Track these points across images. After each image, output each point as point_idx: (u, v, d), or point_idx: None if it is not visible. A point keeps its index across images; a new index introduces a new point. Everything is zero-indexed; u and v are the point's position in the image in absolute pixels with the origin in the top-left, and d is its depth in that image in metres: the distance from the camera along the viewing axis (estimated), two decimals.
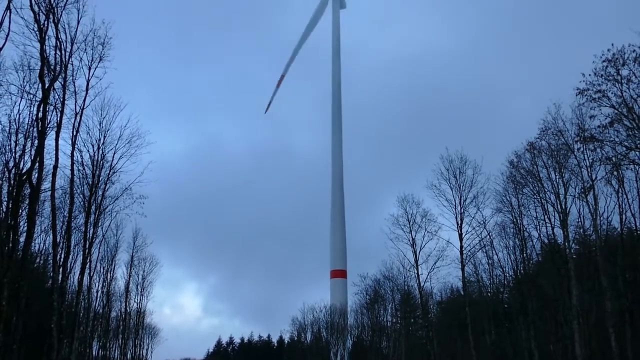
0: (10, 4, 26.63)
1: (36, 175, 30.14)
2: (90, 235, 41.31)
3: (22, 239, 34.66)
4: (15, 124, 35.12)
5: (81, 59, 35.12)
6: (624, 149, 38.27)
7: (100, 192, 41.44)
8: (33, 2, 27.60)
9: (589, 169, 42.48)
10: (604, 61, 38.18)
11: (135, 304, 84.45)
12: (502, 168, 51.64)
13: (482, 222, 53.03)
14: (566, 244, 45.36)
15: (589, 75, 38.70)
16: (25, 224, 32.77)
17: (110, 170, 41.32)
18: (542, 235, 50.71)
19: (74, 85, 35.03)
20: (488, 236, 54.18)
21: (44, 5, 28.62)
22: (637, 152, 37.59)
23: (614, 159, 38.90)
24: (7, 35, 26.48)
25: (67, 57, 31.86)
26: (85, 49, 34.96)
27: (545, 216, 47.74)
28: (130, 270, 79.96)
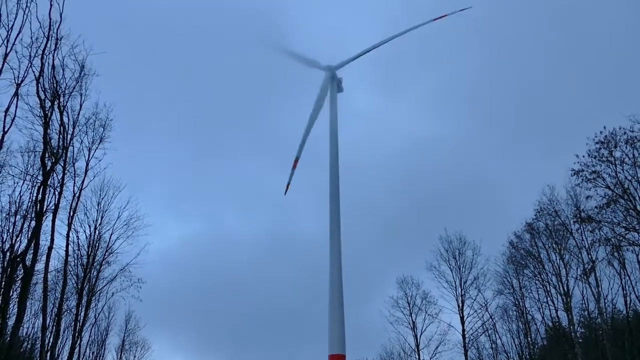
0: (18, 90, 27.52)
1: (30, 257, 29.83)
2: (82, 319, 40.25)
3: (10, 322, 33.75)
4: (15, 205, 35.29)
5: (82, 141, 35.83)
6: (623, 229, 38.23)
7: (95, 273, 40.89)
8: (40, 88, 28.52)
9: (588, 250, 42.18)
10: (597, 143, 39.01)
11: None
12: (501, 249, 51.44)
13: (483, 305, 52.04)
14: (571, 327, 44.17)
15: (583, 156, 39.49)
16: (16, 307, 32.04)
17: (106, 251, 41.05)
18: (545, 318, 49.56)
19: (74, 167, 35.47)
20: (490, 319, 52.97)
21: (49, 92, 29.57)
22: (636, 234, 37.50)
23: (613, 240, 38.70)
24: (13, 120, 27.13)
25: (68, 140, 32.50)
26: (87, 131, 35.78)
27: (548, 298, 46.91)
28: (121, 355, 77.06)
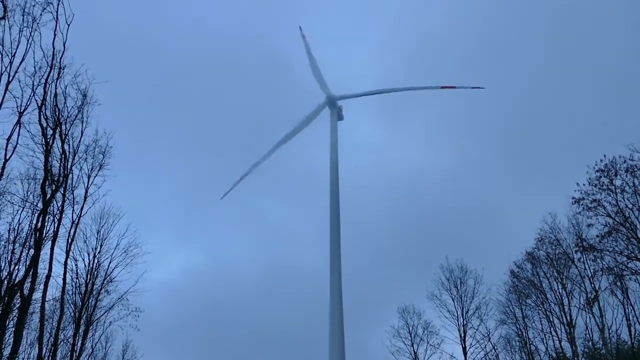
0: (21, 119, 27.67)
1: (28, 285, 29.56)
2: (78, 349, 39.60)
3: (6, 352, 33.22)
4: (14, 232, 35.11)
5: (81, 168, 35.67)
6: (625, 258, 38.01)
7: (93, 302, 40.43)
8: (42, 117, 28.67)
9: (591, 279, 41.85)
10: (597, 171, 39.11)
11: None
12: (503, 278, 50.95)
13: (486, 335, 51.31)
14: (575, 359, 43.51)
15: (583, 184, 39.54)
16: (12, 336, 31.60)
17: (105, 279, 40.66)
18: (549, 349, 48.81)
19: (73, 195, 35.33)
20: (493, 350, 52.16)
21: (51, 120, 29.72)
22: (639, 262, 37.27)
23: (615, 269, 38.42)
24: (15, 148, 27.20)
25: (69, 167, 32.52)
26: (86, 158, 35.72)
27: (551, 328, 46.29)
28: None
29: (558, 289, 44.69)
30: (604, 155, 38.73)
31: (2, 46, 25.79)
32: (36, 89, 28.38)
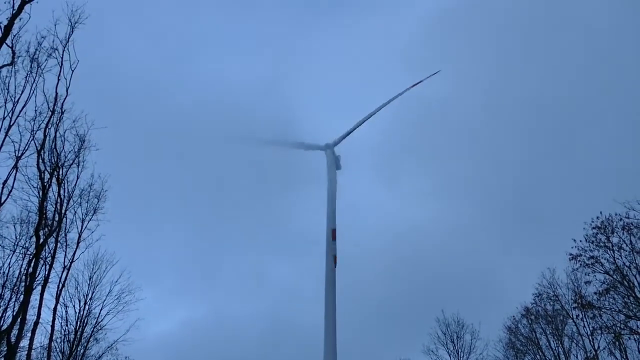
0: (18, 163, 27.58)
1: (16, 332, 28.78)
2: None
3: None
4: (4, 277, 34.48)
5: (75, 212, 35.19)
6: (623, 317, 37.53)
7: (82, 351, 39.27)
8: (40, 161, 28.62)
9: (590, 338, 41.18)
10: (593, 228, 39.08)
11: None
12: (500, 334, 50.13)
13: None
14: None
15: (580, 241, 39.44)
16: None
17: (95, 327, 39.62)
18: None
19: (66, 239, 34.76)
20: None
21: (49, 164, 29.67)
22: (637, 321, 36.78)
23: (614, 328, 37.87)
24: (10, 192, 27.01)
25: (63, 212, 32.19)
26: (80, 203, 35.29)
27: None
28: None
29: (556, 346, 43.90)
30: (600, 212, 38.90)
31: (7, 91, 25.99)
32: (35, 133, 28.50)
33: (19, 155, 27.65)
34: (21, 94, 26.74)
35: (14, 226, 33.48)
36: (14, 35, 25.17)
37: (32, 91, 27.40)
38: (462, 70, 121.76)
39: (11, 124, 26.56)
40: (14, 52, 25.61)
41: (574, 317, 42.17)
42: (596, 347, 41.00)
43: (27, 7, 23.98)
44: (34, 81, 27.70)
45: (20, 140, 27.56)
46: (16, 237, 33.63)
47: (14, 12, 23.78)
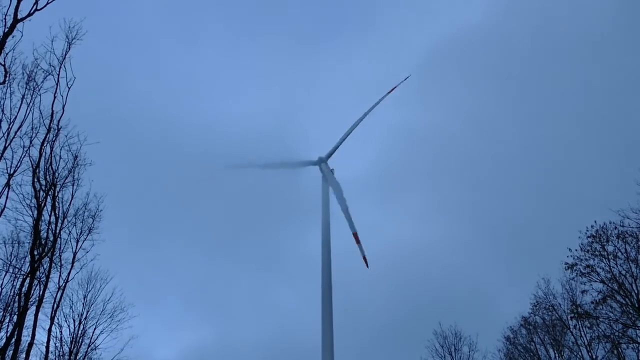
0: (10, 181, 27.17)
1: (10, 353, 28.29)
2: None
3: None
4: None
5: (70, 232, 34.67)
6: (621, 326, 37.57)
7: None
8: (35, 179, 28.25)
9: (588, 347, 41.10)
10: (588, 237, 39.26)
11: None
12: (498, 344, 49.98)
13: None
14: None
15: (576, 250, 39.59)
16: None
17: (89, 347, 38.96)
18: None
19: (60, 259, 34.26)
20: None
21: (44, 183, 29.30)
22: (635, 330, 36.82)
23: (612, 337, 37.89)
24: (2, 211, 26.56)
25: (58, 231, 31.77)
26: (75, 222, 34.78)
27: None
28: None
29: (554, 356, 43.81)
30: (595, 221, 39.12)
31: (3, 112, 25.70)
32: (29, 149, 28.03)
33: (12, 172, 27.21)
34: (17, 114, 26.42)
35: (5, 246, 33.05)
36: (7, 54, 25.00)
37: (28, 110, 27.09)
38: (456, 100, 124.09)
39: (6, 145, 26.15)
40: (6, 71, 25.37)
41: (571, 327, 42.15)
42: (594, 357, 40.93)
43: (19, 25, 23.90)
44: (31, 101, 27.37)
45: (13, 157, 27.05)
46: (8, 257, 33.19)
47: (6, 30, 23.68)
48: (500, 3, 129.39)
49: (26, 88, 26.75)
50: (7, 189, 27.12)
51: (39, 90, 27.11)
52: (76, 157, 32.04)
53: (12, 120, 25.72)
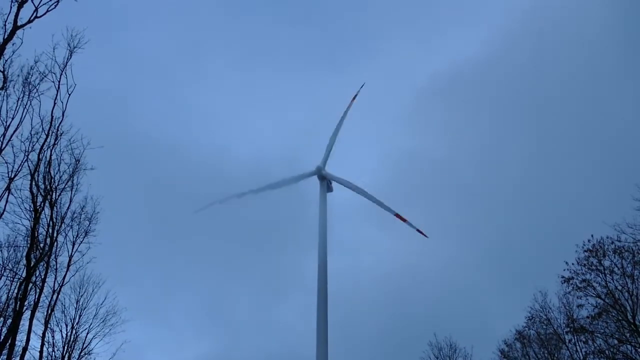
0: (10, 185, 27.28)
1: (4, 358, 28.23)
2: None
3: None
4: None
5: (66, 235, 34.63)
6: (616, 341, 37.53)
7: None
8: (33, 184, 28.34)
9: None
10: (585, 251, 39.27)
11: None
12: (493, 357, 49.86)
13: None
14: None
15: (572, 264, 39.60)
16: None
17: (81, 352, 38.78)
18: None
19: (56, 262, 34.08)
20: None
21: (42, 188, 29.38)
22: (630, 346, 36.77)
23: (607, 352, 37.82)
24: (1, 215, 26.65)
25: (55, 235, 31.77)
26: (72, 225, 34.75)
27: None
28: None
29: None
30: (592, 235, 39.15)
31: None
32: (29, 154, 28.20)
33: (12, 176, 27.32)
34: (12, 118, 26.52)
35: (1, 250, 32.98)
36: (6, 60, 25.13)
37: (25, 113, 27.18)
38: (454, 128, 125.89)
39: (3, 147, 26.27)
40: (5, 77, 25.51)
41: (567, 341, 42.09)
42: None
43: (19, 32, 24.06)
44: (29, 103, 27.47)
45: (14, 161, 27.25)
46: (3, 261, 33.09)
47: (6, 37, 23.83)
48: (499, 34, 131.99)
49: (23, 90, 26.92)
50: (7, 192, 27.28)
51: (37, 92, 27.22)
52: (78, 160, 32.27)
53: (7, 124, 25.82)
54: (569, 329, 40.94)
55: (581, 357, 40.99)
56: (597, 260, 38.42)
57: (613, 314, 37.00)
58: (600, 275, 38.12)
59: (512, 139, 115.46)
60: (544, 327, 44.02)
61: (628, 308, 36.31)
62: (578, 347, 41.23)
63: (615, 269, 37.59)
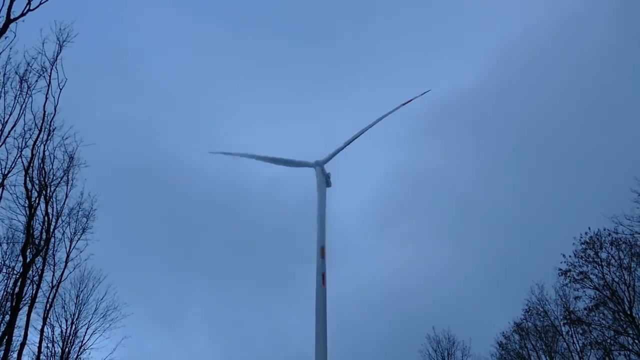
0: (4, 181, 27.22)
1: (1, 354, 28.26)
2: None
3: None
4: None
5: (64, 231, 34.68)
6: (613, 333, 37.63)
7: None
8: (27, 179, 28.26)
9: (580, 354, 41.14)
10: (582, 243, 39.31)
11: None
12: (491, 349, 50.00)
13: None
14: None
15: (569, 256, 39.64)
16: None
17: (80, 347, 38.84)
18: None
19: (54, 259, 34.19)
20: None
21: (37, 183, 29.32)
22: (627, 337, 36.87)
23: (604, 343, 37.92)
24: None
25: (51, 231, 31.75)
26: (69, 222, 34.80)
27: None
28: None
29: None
30: (589, 228, 39.17)
31: None
32: (23, 150, 28.10)
33: (6, 173, 27.29)
34: (10, 115, 26.42)
35: (0, 245, 32.97)
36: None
37: (21, 111, 27.07)
38: (457, 146, 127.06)
39: None
40: None
41: (564, 333, 42.22)
42: None
43: (12, 25, 23.83)
44: (24, 101, 27.36)
45: (7, 157, 27.14)
46: (1, 257, 33.08)
47: None
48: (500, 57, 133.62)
49: (20, 88, 26.80)
50: (1, 189, 27.24)
51: (31, 90, 27.11)
52: (72, 157, 32.21)
53: (4, 121, 25.70)
54: (565, 320, 41.03)
55: (578, 349, 41.14)
56: (594, 253, 38.48)
57: (610, 306, 37.08)
58: (597, 268, 38.17)
59: (513, 139, 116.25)
60: (541, 319, 44.14)
61: (625, 300, 36.37)
62: (575, 338, 41.39)
63: (613, 261, 37.63)
